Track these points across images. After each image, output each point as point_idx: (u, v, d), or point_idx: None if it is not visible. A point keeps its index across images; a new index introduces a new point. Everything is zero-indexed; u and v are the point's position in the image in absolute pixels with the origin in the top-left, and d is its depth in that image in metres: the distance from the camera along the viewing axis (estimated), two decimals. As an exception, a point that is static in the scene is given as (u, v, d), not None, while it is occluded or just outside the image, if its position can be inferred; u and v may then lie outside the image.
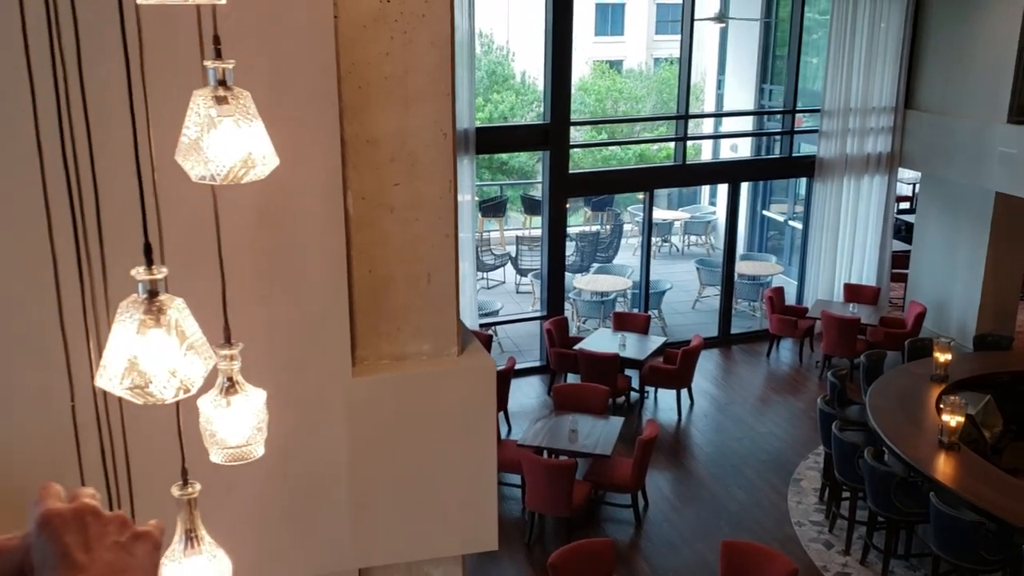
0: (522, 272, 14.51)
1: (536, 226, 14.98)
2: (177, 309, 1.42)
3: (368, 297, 3.73)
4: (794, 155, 12.21)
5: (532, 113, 24.16)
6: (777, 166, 12.55)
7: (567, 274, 13.84)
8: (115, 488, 1.67)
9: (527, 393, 11.10)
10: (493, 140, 11.42)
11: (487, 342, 10.46)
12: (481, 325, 11.46)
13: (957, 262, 11.63)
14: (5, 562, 0.88)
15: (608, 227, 16.69)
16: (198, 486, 1.73)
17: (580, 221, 17.97)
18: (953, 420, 7.19)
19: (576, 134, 18.36)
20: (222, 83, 1.51)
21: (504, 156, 21.58)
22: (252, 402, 1.78)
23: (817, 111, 11.87)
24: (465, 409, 3.91)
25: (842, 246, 12.30)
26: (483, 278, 14.76)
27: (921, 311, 10.97)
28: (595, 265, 14.64)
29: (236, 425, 1.76)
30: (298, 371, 3.60)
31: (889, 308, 12.63)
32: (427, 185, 3.68)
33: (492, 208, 16.79)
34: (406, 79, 3.54)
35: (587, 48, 29.51)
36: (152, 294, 1.39)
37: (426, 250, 3.76)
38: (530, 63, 23.50)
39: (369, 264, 3.70)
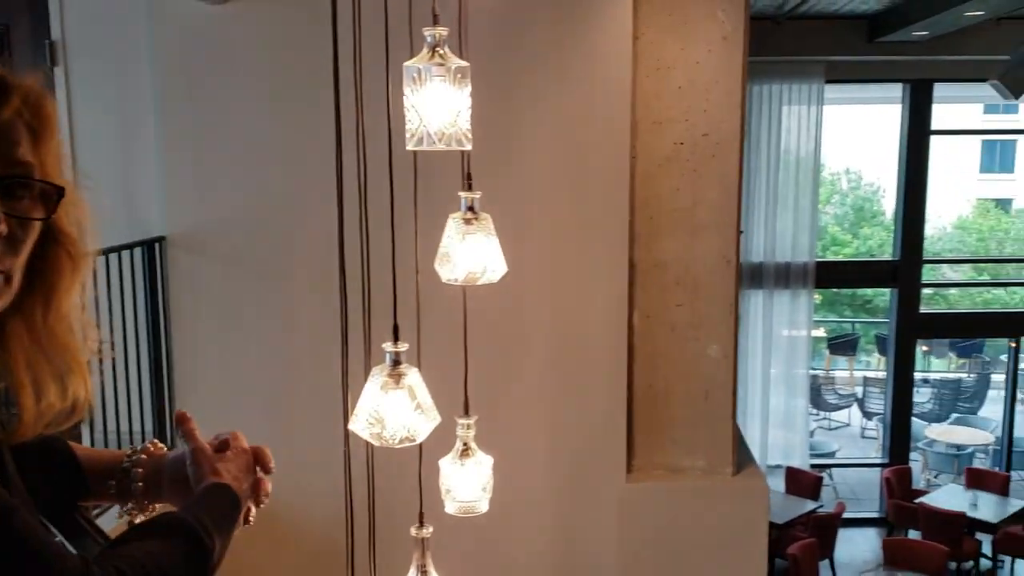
0: (868, 415, 13.67)
1: (890, 368, 14.10)
2: (413, 376, 1.85)
3: (647, 409, 4.01)
4: None
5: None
6: None
7: (921, 422, 12.78)
8: (370, 519, 2.13)
9: (859, 544, 10.37)
10: (835, 275, 11.16)
11: (816, 484, 9.99)
12: (813, 465, 10.96)
13: None
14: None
15: (973, 375, 15.18)
16: (431, 528, 2.13)
17: (944, 366, 16.54)
18: None
19: (953, 275, 17.11)
20: (471, 209, 1.97)
21: (868, 292, 20.60)
22: (482, 466, 2.17)
23: None
24: (735, 529, 3.97)
25: None
26: (824, 418, 14.12)
27: None
28: (954, 415, 13.38)
29: (467, 483, 2.15)
30: (578, 470, 3.95)
31: None
32: (708, 307, 3.94)
33: (841, 345, 16.10)
34: (694, 211, 3.87)
35: (970, 185, 27.47)
36: (395, 363, 1.84)
37: (705, 368, 3.98)
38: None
39: (650, 378, 3.99)
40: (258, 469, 1.29)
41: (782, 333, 10.50)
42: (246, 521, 1.26)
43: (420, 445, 1.94)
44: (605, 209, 3.79)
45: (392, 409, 1.81)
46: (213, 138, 3.81)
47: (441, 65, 1.77)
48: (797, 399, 10.73)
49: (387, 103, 1.84)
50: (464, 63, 1.79)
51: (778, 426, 10.72)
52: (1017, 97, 8.21)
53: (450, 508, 2.18)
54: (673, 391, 4.00)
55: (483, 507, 2.19)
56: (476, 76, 2.02)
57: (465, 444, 2.16)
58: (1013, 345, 11.19)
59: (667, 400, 4.01)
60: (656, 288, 3.93)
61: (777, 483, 10.16)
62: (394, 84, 1.86)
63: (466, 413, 2.17)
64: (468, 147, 1.83)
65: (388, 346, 1.84)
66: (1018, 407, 11.70)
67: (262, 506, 1.28)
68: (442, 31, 1.75)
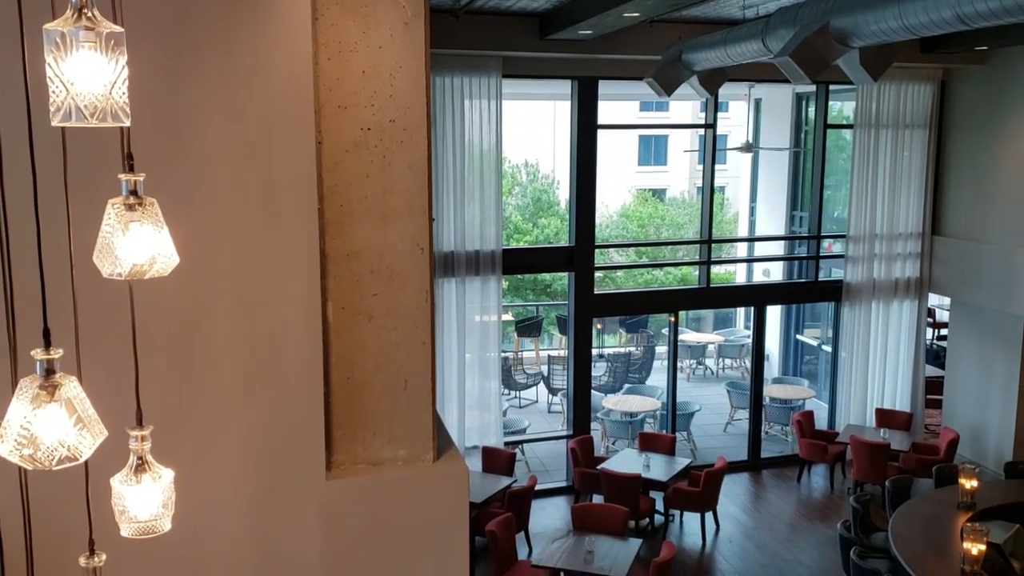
0: (553, 391, 14.57)
1: (570, 346, 15.10)
2: (71, 388, 1.61)
3: (346, 403, 3.91)
4: (820, 280, 12.28)
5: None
6: (803, 290, 12.61)
7: (599, 394, 13.86)
8: (27, 553, 1.84)
9: (551, 514, 11.00)
10: (520, 262, 11.74)
11: (510, 461, 10.46)
12: (507, 443, 11.47)
13: (991, 388, 11.40)
14: None
15: (641, 348, 16.75)
16: (104, 556, 1.89)
17: (616, 342, 18.07)
18: (975, 548, 6.96)
19: (619, 258, 18.77)
20: (133, 193, 1.75)
21: (548, 278, 22.00)
22: (161, 480, 1.95)
23: (843, 236, 12.01)
24: (438, 515, 4.00)
25: (873, 371, 12.18)
26: (515, 397, 14.85)
27: (954, 437, 10.72)
28: (627, 385, 14.66)
29: (145, 501, 1.93)
30: (274, 473, 3.76)
31: (925, 435, 12.35)
32: (404, 295, 3.91)
33: (528, 328, 17.01)
34: (385, 198, 3.82)
35: (631, 177, 30.32)
36: (48, 372, 1.59)
37: (403, 357, 3.95)
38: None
39: (347, 371, 3.89)
40: None
41: (475, 319, 10.87)
42: None
43: (86, 464, 1.70)
44: (292, 196, 3.62)
45: (46, 426, 1.56)
46: None
47: (90, 30, 1.54)
48: (490, 381, 11.17)
49: (24, 72, 1.58)
50: (118, 28, 1.58)
51: (474, 408, 11.11)
52: (669, 94, 9.10)
53: (126, 531, 1.95)
54: (372, 383, 3.93)
55: (165, 526, 1.98)
56: (138, 47, 1.80)
57: (140, 458, 1.93)
58: (672, 319, 12.45)
59: (366, 392, 3.93)
60: (350, 278, 3.83)
61: (475, 463, 10.50)
62: (34, 50, 1.60)
63: (139, 424, 1.94)
64: (127, 123, 1.62)
65: (38, 353, 1.59)
66: (679, 375, 13.06)
67: None
68: (89, -10, 1.53)
